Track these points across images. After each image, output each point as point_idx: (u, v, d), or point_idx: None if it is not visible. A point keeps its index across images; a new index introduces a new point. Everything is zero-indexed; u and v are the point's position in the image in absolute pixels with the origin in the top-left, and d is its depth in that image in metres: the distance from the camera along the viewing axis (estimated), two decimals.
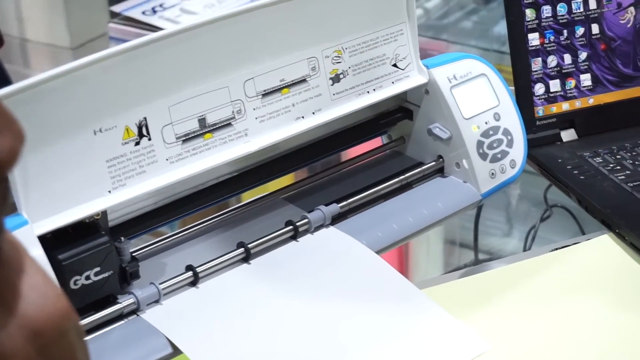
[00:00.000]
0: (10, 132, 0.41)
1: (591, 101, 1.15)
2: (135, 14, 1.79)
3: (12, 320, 0.43)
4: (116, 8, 1.83)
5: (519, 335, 0.89)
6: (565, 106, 1.14)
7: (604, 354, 0.86)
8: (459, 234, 1.64)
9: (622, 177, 1.07)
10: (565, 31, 1.14)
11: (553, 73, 1.14)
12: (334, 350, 0.84)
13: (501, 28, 1.67)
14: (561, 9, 1.13)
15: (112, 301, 0.85)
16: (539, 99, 1.14)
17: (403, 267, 1.64)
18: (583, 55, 1.14)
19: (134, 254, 0.88)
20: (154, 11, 1.81)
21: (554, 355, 0.87)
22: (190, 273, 0.88)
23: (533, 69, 1.13)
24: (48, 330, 0.44)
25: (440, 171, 1.04)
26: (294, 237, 0.95)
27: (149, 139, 0.85)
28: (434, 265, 1.66)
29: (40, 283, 0.44)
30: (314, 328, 0.86)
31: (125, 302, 0.85)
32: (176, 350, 0.83)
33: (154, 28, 1.69)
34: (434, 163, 1.04)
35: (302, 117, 0.95)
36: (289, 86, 0.93)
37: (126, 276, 0.86)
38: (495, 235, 1.57)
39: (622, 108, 1.16)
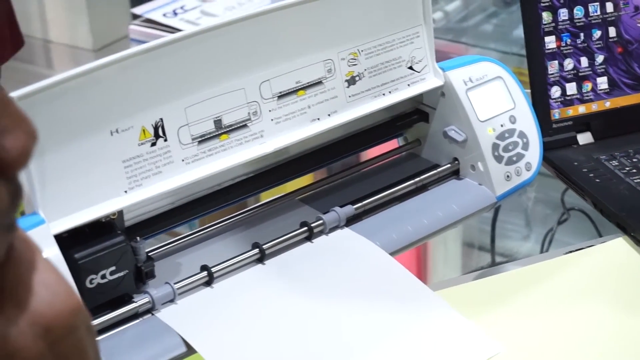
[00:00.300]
0: (22, 131, 0.42)
1: (608, 104, 1.15)
2: (156, 16, 1.79)
3: (24, 317, 0.43)
4: (137, 10, 1.85)
5: (531, 338, 0.89)
6: (581, 109, 1.15)
7: (615, 356, 0.86)
8: (477, 237, 1.64)
9: (638, 180, 1.06)
10: (582, 34, 1.14)
11: (569, 76, 1.14)
12: (346, 351, 0.85)
13: (521, 31, 1.67)
14: (578, 12, 1.13)
15: (128, 300, 0.85)
16: (555, 102, 1.14)
17: (421, 269, 1.64)
18: (600, 58, 1.15)
19: (149, 254, 0.89)
20: (174, 13, 1.82)
21: (566, 357, 0.87)
22: (205, 273, 0.89)
23: (549, 72, 1.13)
24: (58, 327, 0.44)
25: (455, 173, 1.05)
26: (309, 238, 0.95)
27: (165, 140, 0.86)
28: (452, 268, 1.67)
29: (51, 280, 0.45)
30: (327, 328, 0.86)
31: (140, 301, 0.85)
32: (190, 349, 0.84)
33: (175, 30, 1.70)
34: (449, 165, 1.04)
35: (318, 118, 0.95)
36: (304, 88, 0.94)
37: (142, 275, 0.87)
38: (513, 238, 1.57)
39: (638, 111, 1.16)
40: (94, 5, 2.48)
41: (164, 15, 1.80)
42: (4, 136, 0.41)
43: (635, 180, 1.06)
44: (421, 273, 1.63)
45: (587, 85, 1.15)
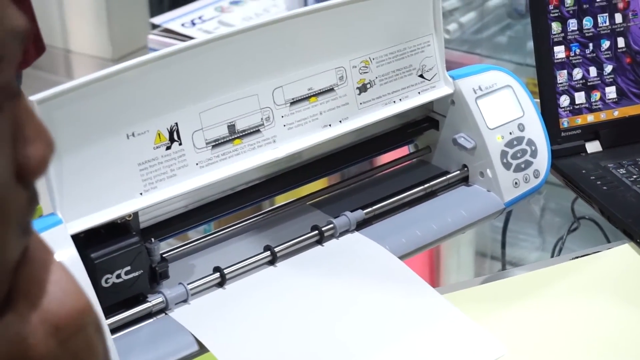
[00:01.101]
0: (42, 141, 0.44)
1: (616, 113, 1.17)
2: (175, 26, 1.82)
3: (36, 315, 0.45)
4: (156, 20, 1.87)
5: (536, 340, 0.91)
6: (590, 118, 1.16)
7: (617, 356, 0.88)
8: (489, 246, 1.65)
9: None
10: (590, 44, 1.15)
11: (578, 85, 1.15)
12: (355, 351, 0.87)
13: None
14: (587, 22, 1.15)
15: (142, 300, 0.87)
16: (564, 111, 1.15)
17: (434, 276, 1.66)
18: (608, 68, 1.16)
19: (163, 255, 0.91)
20: (192, 23, 1.84)
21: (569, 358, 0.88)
22: (217, 274, 0.91)
23: (558, 81, 1.15)
24: (68, 325, 0.46)
25: (464, 180, 1.06)
26: (320, 242, 0.97)
27: (180, 144, 0.88)
28: (465, 275, 1.68)
29: (62, 280, 0.47)
30: (336, 329, 0.88)
31: (154, 300, 0.87)
32: (202, 348, 0.86)
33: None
34: (458, 172, 1.06)
35: (329, 125, 0.97)
36: (316, 95, 0.96)
37: (156, 276, 0.89)
38: (524, 247, 1.59)
39: None
40: (114, 16, 2.51)
41: (183, 25, 1.83)
42: (27, 146, 0.43)
43: None
44: (434, 279, 1.65)
45: (596, 95, 1.16)
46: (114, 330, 0.85)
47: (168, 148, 0.88)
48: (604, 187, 1.09)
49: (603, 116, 1.17)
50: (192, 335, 0.86)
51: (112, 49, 2.50)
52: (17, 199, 0.43)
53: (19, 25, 0.41)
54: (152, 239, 0.89)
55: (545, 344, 0.90)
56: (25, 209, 0.44)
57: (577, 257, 1.02)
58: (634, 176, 1.10)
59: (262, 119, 0.93)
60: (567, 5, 1.14)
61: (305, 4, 1.79)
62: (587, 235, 1.30)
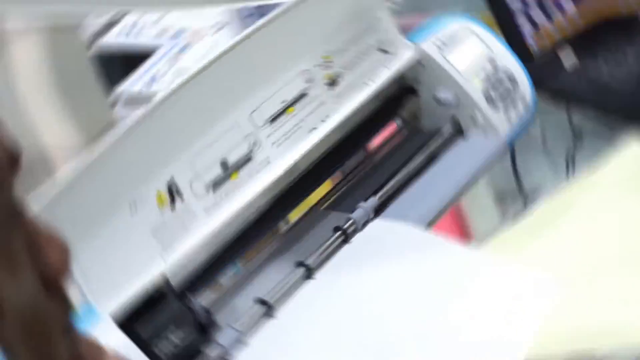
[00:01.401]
0: (56, 244, 0.45)
1: (578, 20, 1.17)
2: (136, 90, 1.82)
3: None
4: (117, 92, 1.87)
5: (581, 262, 0.91)
6: (555, 33, 1.17)
7: None
8: (506, 188, 1.65)
9: (624, 73, 1.09)
10: None
11: (533, 4, 1.16)
12: (422, 332, 0.87)
13: None
14: None
15: (201, 356, 0.88)
16: (529, 35, 1.16)
17: (464, 235, 1.66)
18: None
19: (205, 306, 0.91)
20: (152, 81, 1.84)
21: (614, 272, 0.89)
22: (262, 305, 0.91)
23: (513, 7, 1.15)
24: None
25: (460, 133, 1.07)
26: (346, 240, 0.97)
27: (182, 200, 0.89)
28: (492, 224, 1.68)
29: None
30: (397, 319, 0.88)
31: (213, 353, 0.88)
32: None
33: None
34: (448, 125, 1.06)
35: (315, 128, 0.98)
36: (292, 105, 0.97)
37: (205, 329, 0.89)
38: (538, 176, 1.59)
39: (610, 20, 1.18)
40: (75, 103, 2.51)
41: (143, 87, 1.83)
42: (45, 254, 0.44)
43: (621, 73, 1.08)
44: (465, 237, 1.65)
45: (554, 9, 1.17)
46: None
47: (173, 208, 0.88)
48: (591, 88, 1.09)
49: (567, 27, 1.17)
50: None
51: (83, 134, 2.50)
52: (53, 308, 0.44)
53: (13, 144, 0.42)
54: (189, 296, 0.89)
55: (591, 262, 0.91)
56: (62, 314, 0.45)
57: (591, 168, 1.02)
58: (612, 62, 1.11)
59: (249, 145, 0.93)
60: None
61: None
62: (593, 147, 1.30)
